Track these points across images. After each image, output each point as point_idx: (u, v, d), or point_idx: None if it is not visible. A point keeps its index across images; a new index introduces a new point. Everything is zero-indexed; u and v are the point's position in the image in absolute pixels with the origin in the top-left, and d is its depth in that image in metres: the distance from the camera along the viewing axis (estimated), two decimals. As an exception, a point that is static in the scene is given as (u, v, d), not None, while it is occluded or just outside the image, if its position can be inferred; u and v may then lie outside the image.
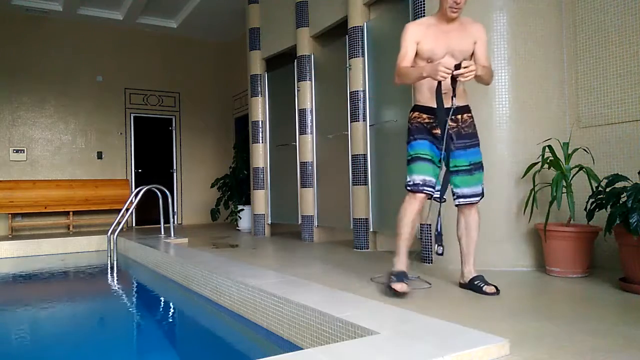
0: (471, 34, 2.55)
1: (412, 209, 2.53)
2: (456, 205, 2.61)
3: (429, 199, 2.55)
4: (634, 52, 3.07)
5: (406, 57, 2.56)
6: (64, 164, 7.84)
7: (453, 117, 2.49)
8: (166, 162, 8.79)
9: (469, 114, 2.59)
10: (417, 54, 2.57)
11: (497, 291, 2.45)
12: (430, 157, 2.53)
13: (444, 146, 2.47)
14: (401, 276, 2.47)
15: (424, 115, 2.57)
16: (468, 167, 2.53)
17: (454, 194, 2.58)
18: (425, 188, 2.51)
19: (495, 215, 3.21)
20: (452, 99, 2.41)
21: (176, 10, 8.01)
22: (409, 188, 2.55)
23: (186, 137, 8.96)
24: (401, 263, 2.54)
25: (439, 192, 2.56)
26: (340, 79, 4.82)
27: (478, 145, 2.57)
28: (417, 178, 2.51)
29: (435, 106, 2.46)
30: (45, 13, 7.59)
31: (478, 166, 2.55)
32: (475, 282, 2.52)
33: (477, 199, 2.56)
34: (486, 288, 2.46)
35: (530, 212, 3.09)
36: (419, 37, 2.54)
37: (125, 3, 7.61)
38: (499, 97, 3.28)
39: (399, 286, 2.39)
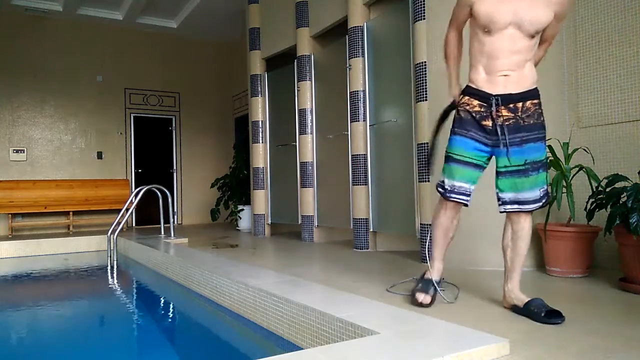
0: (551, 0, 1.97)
1: (441, 215, 2.23)
2: (501, 212, 2.18)
3: (465, 205, 2.20)
4: (634, 53, 3.07)
5: (453, 25, 2.18)
6: (64, 164, 7.83)
7: (512, 105, 2.03)
8: (166, 162, 8.78)
9: (534, 101, 2.05)
10: (475, 19, 2.07)
11: (563, 317, 1.95)
12: (470, 159, 2.10)
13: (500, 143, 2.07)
14: (427, 285, 2.21)
15: (475, 102, 2.09)
16: (523, 167, 2.04)
17: (498, 199, 2.14)
18: (454, 195, 2.15)
19: (496, 215, 3.20)
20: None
21: (176, 10, 8.00)
22: (439, 189, 2.21)
23: (186, 137, 8.96)
24: (433, 270, 2.28)
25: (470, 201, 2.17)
26: (340, 79, 4.82)
27: (541, 139, 2.04)
28: (448, 183, 2.16)
29: (490, 91, 2.04)
30: (45, 13, 7.58)
31: (538, 165, 2.03)
32: (532, 308, 2.00)
33: (533, 206, 2.07)
34: (550, 316, 1.94)
35: (530, 212, 3.09)
36: None
37: (125, 3, 7.61)
38: (499, 97, 3.27)
39: (421, 297, 2.19)
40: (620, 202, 2.52)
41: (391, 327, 1.71)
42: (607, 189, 2.66)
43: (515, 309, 2.13)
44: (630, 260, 2.51)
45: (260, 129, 6.22)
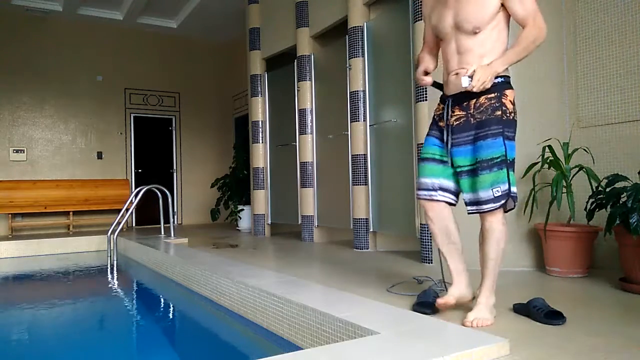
0: None
1: (428, 221, 2.15)
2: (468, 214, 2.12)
3: (450, 204, 2.12)
4: (634, 52, 3.07)
5: (424, 43, 2.23)
6: (64, 164, 7.83)
7: (465, 104, 2.00)
8: (166, 162, 8.78)
9: (489, 95, 1.94)
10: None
11: (564, 318, 1.95)
12: (432, 155, 2.12)
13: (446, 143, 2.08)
14: (426, 305, 2.15)
15: (440, 106, 2.14)
16: (472, 167, 1.98)
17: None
18: (420, 192, 2.14)
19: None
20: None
21: (176, 10, 8.00)
22: None
23: (186, 137, 8.96)
24: (454, 282, 2.13)
25: (448, 196, 2.11)
26: (340, 79, 4.82)
27: (496, 135, 1.92)
28: (418, 181, 2.17)
29: (447, 93, 2.08)
30: (45, 13, 7.58)
31: (488, 164, 1.92)
32: (533, 308, 2.01)
33: (486, 207, 1.95)
34: (552, 317, 1.94)
35: (530, 212, 3.09)
36: (428, 9, 2.16)
37: (125, 3, 7.61)
38: (499, 97, 3.27)
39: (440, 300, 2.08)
40: (620, 202, 2.52)
41: (391, 327, 1.72)
42: (607, 189, 2.66)
43: (515, 308, 2.14)
44: (630, 260, 2.51)
45: (260, 129, 6.22)
